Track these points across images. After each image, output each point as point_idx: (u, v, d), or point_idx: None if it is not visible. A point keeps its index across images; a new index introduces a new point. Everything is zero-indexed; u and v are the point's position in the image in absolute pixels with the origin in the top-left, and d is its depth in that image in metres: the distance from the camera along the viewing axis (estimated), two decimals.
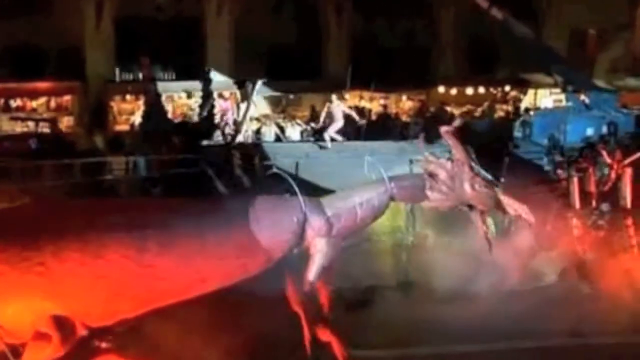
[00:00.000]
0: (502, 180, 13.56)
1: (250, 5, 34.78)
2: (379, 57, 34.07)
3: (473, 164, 7.69)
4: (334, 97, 24.91)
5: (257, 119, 29.70)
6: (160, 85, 27.95)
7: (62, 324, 6.24)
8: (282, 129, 28.53)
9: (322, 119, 24.66)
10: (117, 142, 24.79)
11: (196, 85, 30.27)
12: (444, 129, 7.85)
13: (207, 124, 27.24)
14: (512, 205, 7.71)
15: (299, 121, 28.18)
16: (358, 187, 7.64)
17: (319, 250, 7.24)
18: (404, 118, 31.93)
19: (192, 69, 32.30)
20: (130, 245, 6.37)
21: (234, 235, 6.87)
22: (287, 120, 30.50)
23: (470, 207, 7.72)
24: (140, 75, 30.17)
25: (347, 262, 12.35)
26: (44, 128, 30.88)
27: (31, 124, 31.30)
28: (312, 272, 7.24)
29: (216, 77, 30.13)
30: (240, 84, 30.34)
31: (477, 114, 32.75)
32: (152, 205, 7.71)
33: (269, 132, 28.38)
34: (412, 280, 12.25)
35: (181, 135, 23.36)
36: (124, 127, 32.06)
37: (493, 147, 20.90)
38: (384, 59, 34.01)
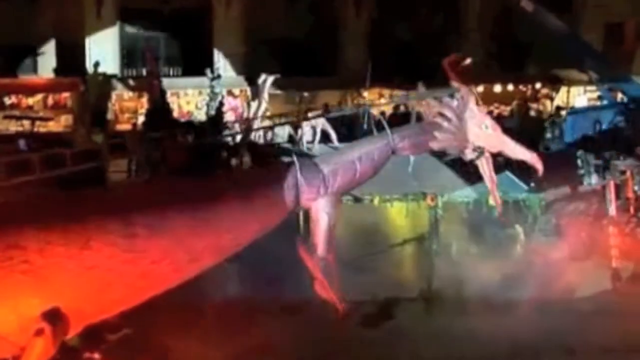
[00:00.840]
0: (532, 184, 13.65)
1: None
2: (400, 52, 34.01)
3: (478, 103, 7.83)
4: None
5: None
6: (166, 82, 28.05)
7: (54, 317, 6.35)
8: (296, 129, 28.59)
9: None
10: (119, 142, 24.89)
11: (204, 82, 30.38)
12: (446, 61, 7.98)
13: (215, 123, 27.32)
14: (517, 150, 7.80)
15: (312, 122, 28.18)
16: (359, 141, 7.77)
17: (322, 210, 7.36)
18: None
19: (199, 64, 32.37)
20: (118, 232, 6.50)
21: (225, 209, 7.02)
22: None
23: (479, 154, 7.80)
24: (144, 71, 30.33)
25: (365, 272, 12.47)
26: (40, 127, 30.91)
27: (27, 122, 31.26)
28: (321, 235, 7.35)
29: (225, 73, 30.26)
30: (251, 81, 30.41)
31: (506, 113, 32.68)
32: (138, 189, 7.85)
33: (282, 133, 28.45)
34: (436, 291, 12.26)
35: (187, 135, 23.44)
36: (127, 127, 32.16)
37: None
38: (405, 54, 33.95)
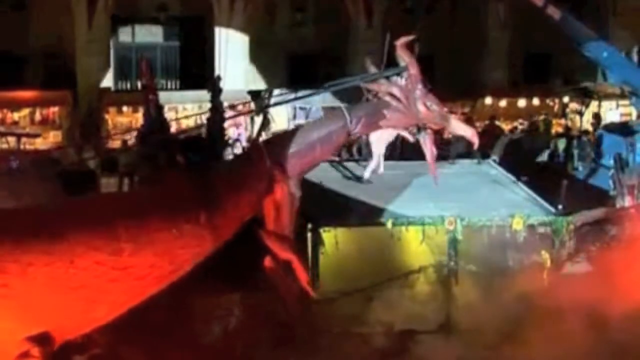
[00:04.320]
0: (560, 207, 13.65)
1: (267, 5, 34.95)
2: (419, 63, 33.85)
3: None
4: None
5: None
6: (162, 95, 28.08)
7: (42, 339, 6.44)
8: None
9: None
10: (111, 160, 24.95)
11: (204, 95, 30.44)
12: (399, 41, 8.71)
13: (215, 140, 27.31)
14: (457, 126, 8.78)
15: None
16: (316, 122, 8.28)
17: (287, 193, 7.76)
18: (445, 134, 31.89)
19: (199, 76, 32.47)
20: (103, 248, 6.60)
21: (204, 212, 7.19)
22: None
23: (419, 129, 8.66)
24: (139, 84, 30.40)
25: (377, 302, 12.49)
26: (26, 144, 30.96)
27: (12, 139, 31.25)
28: (286, 218, 7.78)
29: (227, 87, 30.33)
30: (255, 95, 30.48)
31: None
32: (120, 200, 8.01)
33: None
34: (454, 323, 12.27)
35: (186, 153, 23.45)
36: (120, 144, 32.20)
37: (549, 167, 20.93)
38: (422, 65, 33.81)
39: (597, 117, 30.70)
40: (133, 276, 6.79)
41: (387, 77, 8.66)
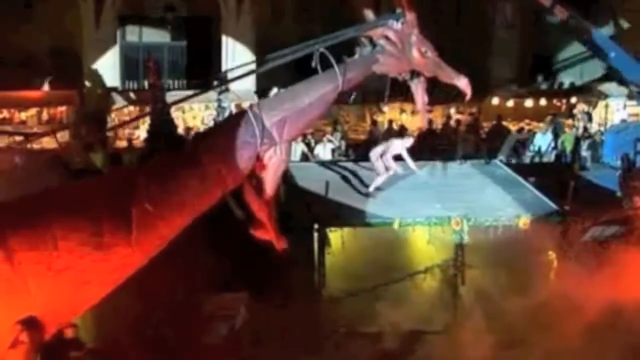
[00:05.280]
0: (567, 208, 13.63)
1: (274, 5, 34.94)
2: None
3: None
4: None
5: None
6: (169, 95, 28.15)
7: (31, 326, 6.46)
8: (310, 147, 28.63)
9: None
10: (118, 160, 25.00)
11: (211, 95, 30.46)
12: None
13: None
14: (450, 74, 8.14)
15: (330, 137, 28.26)
16: (307, 84, 8.05)
17: (273, 157, 7.62)
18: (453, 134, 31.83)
19: (206, 76, 32.48)
20: (86, 229, 6.59)
21: (189, 188, 7.14)
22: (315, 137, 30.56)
23: (412, 75, 8.17)
24: (146, 83, 30.44)
25: (385, 302, 12.48)
26: (34, 144, 30.92)
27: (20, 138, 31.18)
28: (269, 177, 7.65)
29: (233, 86, 30.35)
30: (262, 94, 30.49)
31: (538, 130, 32.59)
32: (97, 181, 7.87)
33: (294, 151, 28.45)
34: (462, 323, 12.25)
35: None
36: (126, 143, 32.22)
37: (556, 169, 20.89)
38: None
39: (589, 116, 30.61)
40: (119, 255, 6.79)
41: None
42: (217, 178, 7.36)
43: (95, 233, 6.67)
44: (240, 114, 7.72)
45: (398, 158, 14.55)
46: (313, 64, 8.21)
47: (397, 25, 8.14)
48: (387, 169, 14.30)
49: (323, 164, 20.50)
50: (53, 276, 6.53)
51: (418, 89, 8.36)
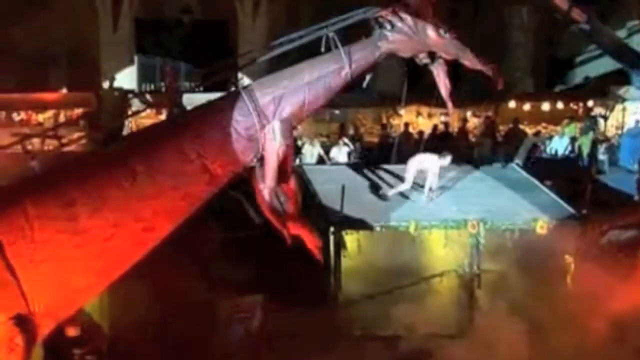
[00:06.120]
0: (584, 211, 13.57)
1: (290, 6, 34.91)
2: None
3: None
4: None
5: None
6: (186, 97, 28.09)
7: (24, 325, 6.44)
8: (326, 150, 28.57)
9: None
10: None
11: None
12: None
13: None
14: (473, 58, 7.97)
15: (346, 140, 28.20)
16: (309, 62, 7.75)
17: (270, 139, 7.37)
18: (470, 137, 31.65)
19: (222, 79, 32.45)
20: (60, 216, 6.55)
21: (166, 163, 7.01)
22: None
23: (432, 58, 7.98)
24: (163, 86, 30.43)
25: (401, 305, 12.45)
26: (51, 145, 30.92)
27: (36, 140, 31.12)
28: (268, 164, 7.39)
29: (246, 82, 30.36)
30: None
31: (555, 133, 32.44)
32: (69, 165, 7.74)
33: (311, 154, 28.38)
34: (478, 326, 12.21)
35: None
36: None
37: (573, 172, 20.80)
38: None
39: (594, 120, 30.42)
40: (99, 238, 6.71)
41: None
42: (199, 164, 7.18)
43: (70, 218, 6.62)
44: (230, 95, 7.52)
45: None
46: (322, 48, 7.98)
47: (411, 1, 7.87)
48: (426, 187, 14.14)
49: (339, 167, 20.50)
50: (34, 268, 6.50)
51: (439, 73, 8.02)
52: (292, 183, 7.78)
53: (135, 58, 34.19)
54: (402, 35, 7.82)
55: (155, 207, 6.99)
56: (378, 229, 13.40)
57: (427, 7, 7.85)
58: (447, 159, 14.17)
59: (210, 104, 7.95)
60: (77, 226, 6.64)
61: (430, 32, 7.81)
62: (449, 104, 8.36)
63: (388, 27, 7.86)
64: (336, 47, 7.77)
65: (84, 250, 6.69)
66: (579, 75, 35.53)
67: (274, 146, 7.44)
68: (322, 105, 7.82)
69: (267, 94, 7.50)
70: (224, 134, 7.28)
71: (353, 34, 8.37)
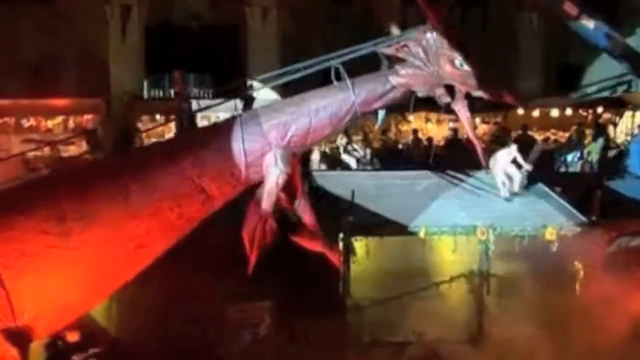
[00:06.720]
0: (593, 218, 13.54)
1: (300, 14, 34.91)
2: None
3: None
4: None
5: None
6: (195, 104, 28.12)
7: (14, 336, 6.45)
8: (335, 156, 28.56)
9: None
10: None
11: (236, 104, 30.44)
12: None
13: None
14: (491, 88, 7.80)
15: (355, 146, 28.21)
16: (315, 92, 7.63)
17: (271, 165, 7.27)
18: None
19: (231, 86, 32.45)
20: (51, 230, 6.54)
21: (162, 183, 6.97)
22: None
23: (452, 94, 7.68)
24: (172, 92, 30.48)
25: (410, 311, 12.45)
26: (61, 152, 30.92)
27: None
28: (266, 189, 7.29)
29: (260, 96, 30.37)
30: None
31: (564, 140, 32.41)
32: (61, 177, 7.72)
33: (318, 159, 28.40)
34: (487, 333, 12.20)
35: None
36: None
37: (582, 179, 20.77)
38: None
39: (599, 127, 30.33)
40: (90, 254, 6.69)
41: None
42: (197, 185, 7.13)
43: (62, 233, 6.61)
44: (234, 118, 7.46)
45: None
46: (332, 77, 7.83)
47: (423, 35, 7.60)
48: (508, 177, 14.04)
49: (348, 172, 20.53)
50: (24, 281, 6.51)
51: (460, 109, 7.86)
52: (305, 203, 7.70)
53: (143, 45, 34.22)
54: (413, 68, 7.56)
55: (149, 225, 6.97)
56: (388, 235, 13.39)
57: (443, 36, 7.57)
58: (514, 149, 14.10)
59: (213, 126, 7.95)
60: (69, 241, 6.65)
61: (445, 64, 7.54)
62: (476, 142, 8.21)
63: (396, 69, 7.64)
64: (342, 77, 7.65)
65: (76, 265, 6.71)
66: (588, 81, 35.49)
67: (274, 173, 7.34)
68: (328, 134, 7.67)
69: (271, 120, 7.41)
70: (225, 157, 7.25)
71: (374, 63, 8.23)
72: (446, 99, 7.66)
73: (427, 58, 7.50)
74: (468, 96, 7.78)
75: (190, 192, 7.10)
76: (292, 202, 7.66)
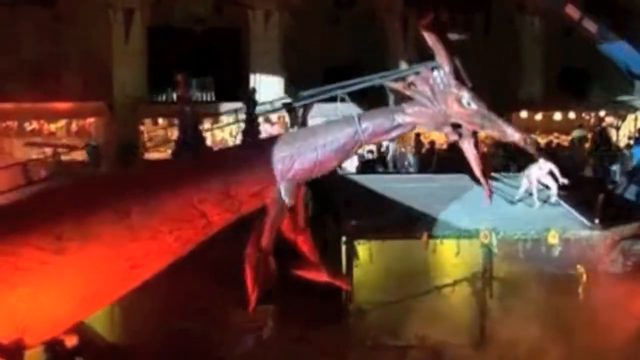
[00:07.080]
0: (596, 221, 13.55)
1: (302, 16, 34.91)
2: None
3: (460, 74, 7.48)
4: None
5: None
6: (198, 107, 28.10)
7: (4, 349, 6.47)
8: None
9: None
10: None
11: (239, 107, 30.44)
12: (422, 23, 7.65)
13: None
14: (504, 129, 7.50)
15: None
16: (323, 126, 7.61)
17: (276, 199, 7.25)
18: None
19: (234, 88, 32.46)
20: (47, 247, 6.56)
21: (164, 207, 6.97)
22: None
23: (460, 133, 7.51)
24: (175, 95, 30.48)
25: (413, 314, 12.45)
26: (63, 155, 30.85)
27: (48, 150, 30.99)
28: (268, 224, 7.25)
29: (262, 99, 30.31)
30: (290, 107, 30.36)
31: (566, 143, 32.41)
32: (62, 194, 7.70)
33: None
34: (489, 336, 12.20)
35: None
36: (156, 156, 32.09)
37: (585, 182, 20.76)
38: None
39: (603, 133, 30.24)
40: (85, 272, 6.71)
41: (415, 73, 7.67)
42: (198, 211, 7.13)
43: (57, 251, 6.63)
44: (240, 148, 7.46)
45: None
46: (337, 109, 7.78)
47: (430, 74, 7.55)
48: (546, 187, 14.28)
49: (350, 176, 20.53)
50: (15, 294, 6.53)
51: (468, 148, 7.61)
52: (307, 237, 7.69)
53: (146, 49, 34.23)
54: (419, 107, 7.53)
55: (147, 247, 6.97)
56: (390, 238, 13.40)
57: (450, 75, 7.52)
58: (548, 165, 14.25)
59: (219, 152, 7.91)
60: (64, 259, 6.65)
61: (452, 103, 7.43)
62: (483, 181, 7.91)
63: (402, 106, 7.63)
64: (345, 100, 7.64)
65: (68, 282, 6.72)
66: (592, 84, 35.49)
67: (277, 206, 7.33)
68: (334, 166, 7.67)
69: (280, 153, 7.39)
70: (228, 186, 7.23)
71: None
72: (454, 137, 7.58)
73: (434, 97, 7.42)
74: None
75: (192, 217, 7.09)
76: (294, 231, 7.64)
